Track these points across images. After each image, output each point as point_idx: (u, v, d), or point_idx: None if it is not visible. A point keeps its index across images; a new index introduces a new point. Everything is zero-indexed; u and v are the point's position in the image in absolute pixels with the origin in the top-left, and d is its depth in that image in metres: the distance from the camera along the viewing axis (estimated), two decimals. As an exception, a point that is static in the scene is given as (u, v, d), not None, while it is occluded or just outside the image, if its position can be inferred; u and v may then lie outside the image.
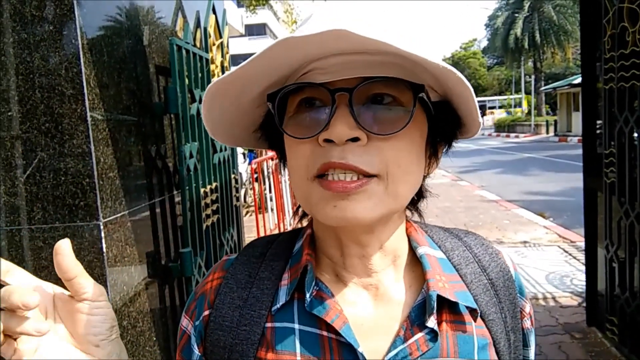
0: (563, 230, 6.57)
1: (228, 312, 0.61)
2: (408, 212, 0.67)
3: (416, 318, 0.58)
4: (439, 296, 0.57)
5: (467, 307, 0.60)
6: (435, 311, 0.57)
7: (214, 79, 0.58)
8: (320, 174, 0.53)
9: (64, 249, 0.50)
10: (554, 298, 4.21)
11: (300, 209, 0.65)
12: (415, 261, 0.63)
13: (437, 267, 0.62)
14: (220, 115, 0.61)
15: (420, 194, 0.66)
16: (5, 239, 1.34)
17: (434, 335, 0.57)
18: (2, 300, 0.46)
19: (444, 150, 0.64)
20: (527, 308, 0.68)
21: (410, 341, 0.57)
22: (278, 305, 0.59)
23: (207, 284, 0.65)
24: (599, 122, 3.28)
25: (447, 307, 0.59)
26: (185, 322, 0.65)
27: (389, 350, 0.56)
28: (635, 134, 2.70)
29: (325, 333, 0.57)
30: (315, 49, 0.51)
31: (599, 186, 3.16)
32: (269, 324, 0.59)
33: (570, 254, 5.49)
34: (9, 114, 1.31)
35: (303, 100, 0.55)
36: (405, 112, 0.53)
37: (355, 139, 0.52)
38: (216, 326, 0.61)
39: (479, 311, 0.61)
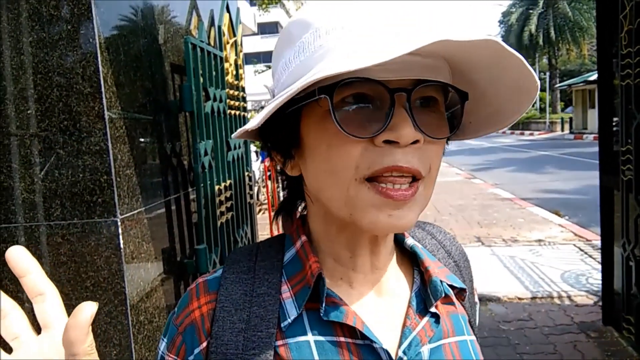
0: (578, 228, 6.50)
1: (231, 339, 0.56)
2: None
3: (417, 306, 0.61)
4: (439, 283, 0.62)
5: (456, 287, 0.64)
6: (440, 298, 0.61)
7: None
8: (371, 177, 0.51)
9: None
10: (569, 297, 4.17)
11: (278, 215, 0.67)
12: (402, 253, 0.67)
13: (425, 255, 0.65)
14: None
15: None
16: (24, 235, 1.37)
17: (436, 318, 0.61)
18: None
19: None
20: (475, 283, 0.76)
21: (418, 329, 0.59)
22: (290, 320, 0.56)
23: (193, 312, 0.58)
24: (615, 119, 3.24)
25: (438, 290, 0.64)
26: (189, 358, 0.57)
27: (401, 342, 0.57)
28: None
29: (342, 339, 0.56)
30: None
31: (616, 184, 3.13)
32: (280, 342, 0.56)
33: (586, 253, 5.43)
34: (28, 112, 1.33)
35: (353, 95, 0.51)
36: (448, 117, 0.56)
37: (415, 142, 0.51)
38: (219, 357, 0.55)
39: (467, 291, 0.66)
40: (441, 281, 0.62)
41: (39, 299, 0.48)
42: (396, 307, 0.61)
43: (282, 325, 0.56)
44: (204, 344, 0.57)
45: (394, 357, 0.56)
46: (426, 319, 0.60)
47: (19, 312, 0.48)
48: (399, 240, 0.67)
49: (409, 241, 0.66)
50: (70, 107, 1.32)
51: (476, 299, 0.74)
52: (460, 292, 0.65)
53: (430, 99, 0.53)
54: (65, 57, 1.31)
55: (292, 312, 0.57)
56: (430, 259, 0.65)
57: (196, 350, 0.57)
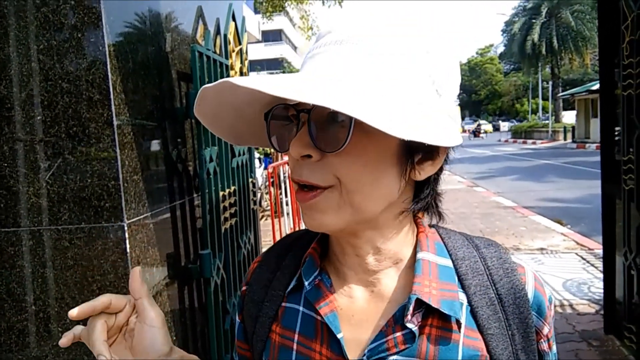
0: (581, 237, 6.50)
1: (257, 289, 0.72)
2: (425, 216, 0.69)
3: (399, 318, 0.61)
4: (421, 301, 0.60)
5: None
6: (410, 313, 0.60)
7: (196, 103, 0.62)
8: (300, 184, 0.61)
9: (135, 273, 0.67)
10: (571, 305, 4.17)
11: None
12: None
13: (431, 273, 0.63)
14: (225, 124, 0.67)
15: (421, 201, 0.65)
16: (32, 238, 1.39)
17: (412, 336, 0.60)
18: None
19: (434, 156, 0.62)
20: (545, 330, 0.66)
21: (389, 337, 0.61)
22: (289, 289, 0.68)
23: (250, 267, 0.77)
24: (617, 128, 3.26)
25: (436, 314, 0.61)
26: (238, 299, 0.78)
27: (370, 342, 0.61)
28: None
29: (319, 318, 0.64)
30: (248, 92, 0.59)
31: (618, 193, 3.14)
32: (283, 304, 0.69)
33: (588, 262, 5.43)
34: (38, 118, 1.36)
35: (292, 115, 0.60)
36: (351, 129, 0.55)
37: (309, 156, 0.57)
38: (249, 299, 0.73)
39: (462, 323, 0.61)
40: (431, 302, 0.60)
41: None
42: (383, 311, 0.64)
43: (286, 291, 0.69)
44: (244, 288, 0.75)
45: (358, 354, 0.62)
46: (400, 332, 0.60)
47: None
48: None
49: (420, 255, 0.64)
50: (80, 114, 1.35)
51: (543, 347, 0.66)
52: (457, 322, 0.61)
53: (337, 115, 0.55)
54: (75, 64, 1.33)
55: (292, 283, 0.68)
56: (441, 278, 0.63)
57: (240, 291, 0.77)
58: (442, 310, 0.60)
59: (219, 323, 1.97)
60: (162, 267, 1.62)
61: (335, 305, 0.64)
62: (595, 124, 24.45)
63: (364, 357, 0.61)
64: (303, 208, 0.61)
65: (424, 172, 0.62)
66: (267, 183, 7.44)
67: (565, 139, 29.29)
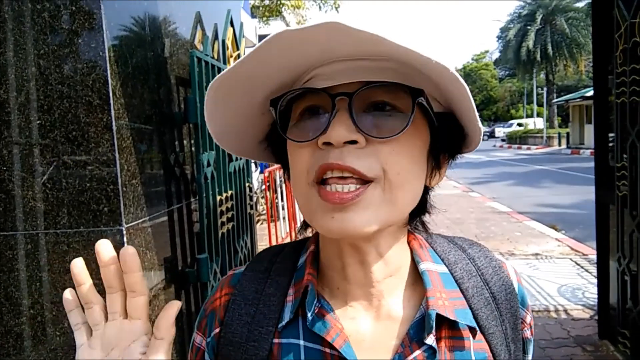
0: (575, 243, 6.53)
1: (237, 329, 0.62)
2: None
3: (415, 335, 0.58)
4: (438, 314, 0.57)
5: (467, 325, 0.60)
6: (434, 329, 0.56)
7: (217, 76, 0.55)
8: (320, 180, 0.53)
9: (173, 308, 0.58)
10: (565, 311, 4.19)
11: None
12: (416, 275, 0.63)
13: (438, 283, 0.61)
14: (224, 120, 0.61)
15: (422, 208, 0.63)
16: (31, 242, 1.40)
17: (432, 352, 0.57)
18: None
19: (448, 162, 0.62)
20: (528, 318, 0.68)
21: (408, 358, 0.57)
22: (283, 323, 0.60)
23: (215, 300, 0.66)
24: (611, 135, 3.29)
25: (446, 323, 0.59)
26: (198, 339, 0.66)
27: None
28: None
29: (327, 350, 0.58)
30: (312, 48, 0.50)
31: (611, 199, 3.16)
32: (276, 340, 0.60)
33: (582, 267, 5.46)
34: (37, 122, 1.36)
35: (306, 108, 0.56)
36: (405, 118, 0.52)
37: (353, 142, 0.51)
38: (227, 342, 0.62)
39: (477, 329, 0.60)
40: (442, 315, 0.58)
41: (132, 294, 0.56)
42: (394, 331, 0.59)
43: (278, 326, 0.60)
44: (217, 330, 0.64)
45: None
46: (420, 350, 0.57)
47: (101, 304, 0.58)
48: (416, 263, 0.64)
49: (423, 265, 0.62)
50: (79, 118, 1.36)
51: (527, 334, 0.68)
52: (471, 330, 0.59)
53: (384, 103, 0.53)
54: (75, 69, 1.35)
55: (287, 316, 0.60)
56: (446, 287, 0.61)
57: (212, 334, 0.64)
58: (460, 321, 0.58)
59: (216, 327, 1.97)
60: (160, 270, 1.62)
61: (345, 333, 0.58)
62: (589, 130, 24.59)
63: None
64: (331, 210, 0.52)
65: (434, 180, 0.61)
66: (263, 187, 7.44)
67: (560, 144, 29.44)
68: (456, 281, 0.64)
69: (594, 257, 5.15)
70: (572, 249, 6.24)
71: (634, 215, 2.84)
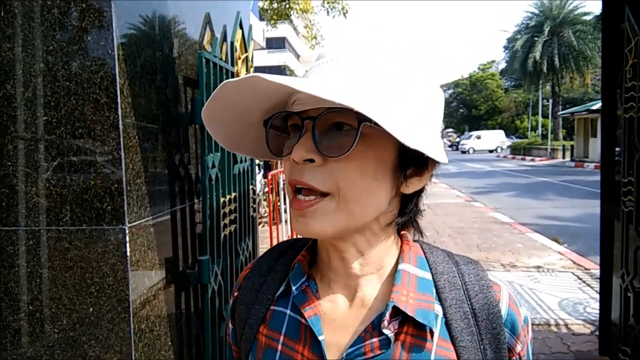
0: (577, 256, 6.49)
1: (248, 293, 0.75)
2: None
3: (377, 324, 0.65)
4: (399, 309, 0.64)
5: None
6: (387, 319, 0.63)
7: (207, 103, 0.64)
8: (295, 189, 0.64)
9: None
10: (566, 325, 4.16)
11: None
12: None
13: (410, 283, 0.67)
14: (231, 135, 0.71)
15: (402, 212, 0.68)
16: (33, 238, 1.39)
17: (387, 342, 0.64)
18: None
19: (424, 172, 0.66)
20: (518, 348, 0.68)
21: (366, 342, 0.64)
22: (277, 294, 0.72)
23: (241, 274, 0.80)
24: (617, 149, 3.28)
25: (411, 322, 0.64)
26: (230, 304, 0.81)
27: (349, 346, 0.65)
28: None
29: (303, 321, 0.68)
30: (264, 90, 0.61)
31: (616, 214, 3.14)
32: (272, 307, 0.72)
33: (584, 281, 5.42)
34: (44, 118, 1.36)
35: (291, 125, 0.66)
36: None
37: (311, 160, 0.61)
38: (240, 303, 0.76)
39: (434, 331, 0.64)
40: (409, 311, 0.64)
41: None
42: (363, 318, 0.67)
43: (275, 295, 0.72)
44: (236, 293, 0.78)
45: (336, 356, 0.66)
46: (377, 338, 0.64)
47: None
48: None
49: (401, 266, 0.68)
50: (86, 116, 1.35)
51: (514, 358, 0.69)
52: (431, 333, 0.64)
53: (342, 123, 0.61)
54: (83, 66, 1.34)
55: (281, 288, 0.72)
56: (419, 290, 0.66)
57: (232, 297, 0.80)
58: (417, 319, 0.63)
59: (215, 329, 1.96)
60: (161, 271, 1.61)
61: (319, 309, 0.68)
62: (594, 144, 24.54)
63: None
64: (296, 215, 0.64)
65: (412, 186, 0.66)
66: (266, 190, 7.44)
67: (564, 157, 29.38)
68: (437, 290, 0.68)
69: (596, 271, 5.12)
70: (574, 262, 6.21)
71: (639, 232, 2.81)
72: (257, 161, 9.03)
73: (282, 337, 0.70)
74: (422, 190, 0.69)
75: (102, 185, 1.36)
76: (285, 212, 6.25)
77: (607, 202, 3.39)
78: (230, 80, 0.59)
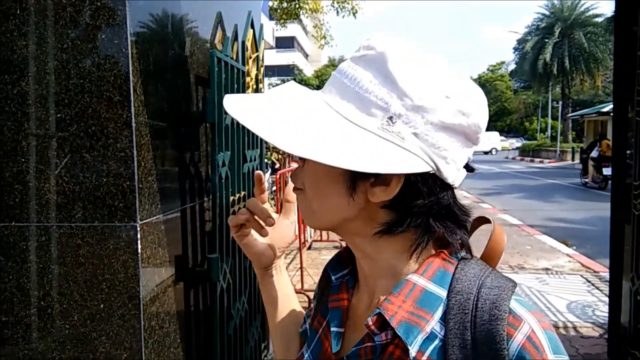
0: (586, 259, 6.45)
1: (323, 277, 0.83)
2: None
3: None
4: (381, 315, 0.63)
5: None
6: (369, 324, 0.63)
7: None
8: None
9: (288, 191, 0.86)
10: (575, 328, 4.14)
11: None
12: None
13: (411, 295, 0.64)
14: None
15: (385, 225, 0.66)
16: (45, 234, 1.40)
17: (375, 349, 0.65)
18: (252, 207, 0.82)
19: (384, 183, 0.63)
20: None
21: (364, 345, 0.66)
22: (331, 285, 0.78)
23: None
24: (628, 152, 3.25)
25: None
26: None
27: (354, 345, 0.68)
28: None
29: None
30: None
31: (627, 218, 3.12)
32: (330, 295, 0.78)
33: (593, 284, 5.39)
34: (58, 115, 1.37)
35: None
36: None
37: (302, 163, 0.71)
38: (317, 286, 0.86)
39: (410, 351, 0.60)
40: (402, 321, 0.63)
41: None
42: None
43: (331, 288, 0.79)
44: (319, 277, 0.86)
45: (345, 352, 0.69)
46: (370, 343, 0.65)
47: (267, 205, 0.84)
48: None
49: (409, 276, 0.66)
50: (99, 113, 1.36)
51: None
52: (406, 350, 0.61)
53: None
54: (97, 64, 1.35)
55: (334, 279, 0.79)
56: (419, 304, 0.63)
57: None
58: (397, 331, 0.61)
59: (223, 328, 1.97)
60: (171, 268, 1.62)
61: (345, 303, 0.73)
62: (604, 146, 24.27)
63: (344, 357, 0.69)
64: None
65: (376, 196, 0.64)
66: (274, 189, 7.45)
67: (573, 159, 29.16)
68: (446, 309, 0.63)
69: (605, 274, 5.08)
70: (582, 265, 6.17)
71: (650, 235, 2.79)
72: (265, 160, 9.05)
73: (324, 323, 0.76)
74: (419, 208, 0.64)
75: (114, 183, 1.37)
76: (293, 211, 6.27)
77: (618, 205, 3.36)
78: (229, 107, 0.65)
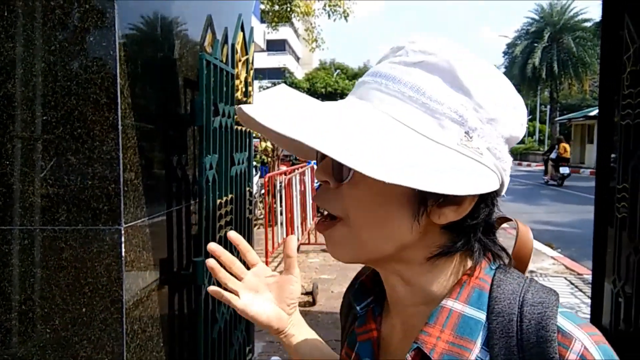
0: (570, 262, 6.53)
1: (345, 303, 0.80)
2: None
3: None
4: (419, 349, 0.58)
5: None
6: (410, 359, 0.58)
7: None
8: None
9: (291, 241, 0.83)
10: (559, 331, 4.18)
11: None
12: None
13: (448, 323, 0.58)
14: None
15: (447, 249, 0.60)
16: (28, 237, 1.39)
17: None
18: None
19: (455, 202, 0.57)
20: None
21: None
22: (358, 309, 0.72)
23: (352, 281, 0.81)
24: (613, 155, 3.29)
25: None
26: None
27: None
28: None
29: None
30: None
31: (610, 220, 3.16)
32: (353, 325, 0.72)
33: (576, 286, 5.45)
34: (44, 117, 1.36)
35: None
36: None
37: (327, 182, 0.60)
38: (341, 310, 0.82)
39: None
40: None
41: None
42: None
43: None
44: (342, 300, 0.82)
45: None
46: None
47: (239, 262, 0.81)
48: None
49: (444, 301, 0.60)
50: (85, 116, 1.35)
51: None
52: None
53: None
54: (85, 67, 1.34)
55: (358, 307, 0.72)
56: (458, 332, 0.58)
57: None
58: None
59: (208, 331, 1.96)
60: (155, 272, 1.62)
61: (376, 334, 0.67)
62: (590, 150, 24.63)
63: None
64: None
65: (445, 217, 0.57)
66: (263, 192, 7.44)
67: (560, 163, 29.41)
68: (488, 334, 0.58)
69: (588, 276, 5.13)
70: (567, 267, 6.24)
71: (632, 238, 2.83)
72: (254, 163, 9.03)
73: (353, 355, 0.70)
74: (478, 225, 0.60)
75: (99, 186, 1.37)
76: (281, 214, 6.25)
77: (601, 208, 3.40)
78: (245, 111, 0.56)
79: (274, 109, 0.56)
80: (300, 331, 0.83)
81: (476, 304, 0.59)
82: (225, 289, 0.79)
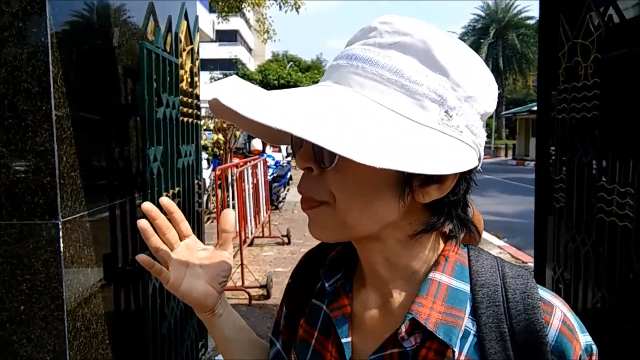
0: (515, 250, 6.79)
1: (298, 282, 0.77)
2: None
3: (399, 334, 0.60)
4: (414, 320, 0.58)
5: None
6: (403, 331, 0.59)
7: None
8: None
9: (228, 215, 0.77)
10: (503, 316, 4.35)
11: None
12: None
13: (438, 294, 0.60)
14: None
15: (428, 225, 0.61)
16: (-43, 234, 1.32)
17: (406, 354, 0.60)
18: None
19: (438, 181, 0.58)
20: None
21: (387, 352, 0.61)
22: (317, 288, 0.72)
23: (299, 260, 0.80)
24: (552, 148, 3.44)
25: (436, 337, 0.58)
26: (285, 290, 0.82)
27: (371, 353, 0.62)
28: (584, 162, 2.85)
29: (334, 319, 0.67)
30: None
31: (550, 210, 3.31)
32: (312, 300, 0.72)
33: (521, 274, 5.68)
34: (-29, 107, 1.29)
35: None
36: None
37: (310, 169, 0.58)
38: (291, 290, 0.78)
39: (455, 350, 0.58)
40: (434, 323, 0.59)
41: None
42: (389, 326, 0.63)
43: (316, 288, 0.73)
44: (290, 280, 0.79)
45: None
46: (397, 349, 0.60)
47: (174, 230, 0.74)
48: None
49: (431, 274, 0.62)
50: (16, 105, 1.29)
51: None
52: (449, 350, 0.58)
53: None
54: (14, 54, 1.28)
55: (320, 283, 0.72)
56: (449, 302, 0.60)
57: (288, 282, 0.80)
58: (437, 335, 0.58)
59: (157, 327, 1.92)
60: (98, 268, 1.57)
61: (349, 310, 0.66)
62: (534, 143, 25.62)
63: None
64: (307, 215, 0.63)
65: (428, 195, 0.58)
66: (215, 185, 7.33)
67: (506, 155, 30.56)
68: (474, 304, 0.61)
69: (532, 264, 5.35)
70: (512, 256, 6.49)
71: (569, 227, 2.98)
72: (205, 155, 8.87)
73: (316, 333, 0.69)
74: (458, 200, 0.61)
75: (33, 179, 1.31)
76: (234, 207, 6.18)
77: (541, 199, 3.56)
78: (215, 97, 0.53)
79: (249, 99, 0.53)
80: (227, 311, 0.78)
81: (460, 277, 0.63)
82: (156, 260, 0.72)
